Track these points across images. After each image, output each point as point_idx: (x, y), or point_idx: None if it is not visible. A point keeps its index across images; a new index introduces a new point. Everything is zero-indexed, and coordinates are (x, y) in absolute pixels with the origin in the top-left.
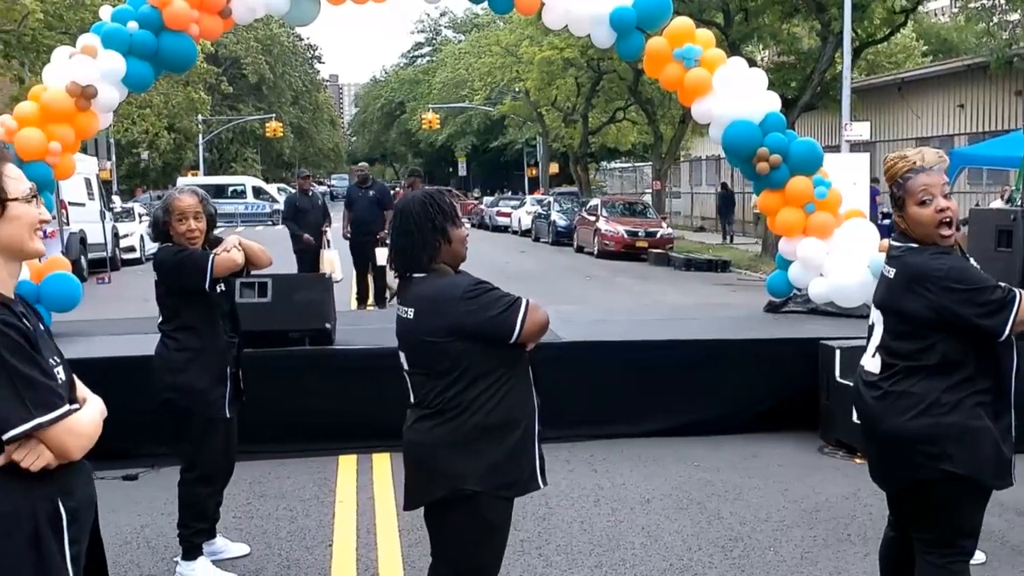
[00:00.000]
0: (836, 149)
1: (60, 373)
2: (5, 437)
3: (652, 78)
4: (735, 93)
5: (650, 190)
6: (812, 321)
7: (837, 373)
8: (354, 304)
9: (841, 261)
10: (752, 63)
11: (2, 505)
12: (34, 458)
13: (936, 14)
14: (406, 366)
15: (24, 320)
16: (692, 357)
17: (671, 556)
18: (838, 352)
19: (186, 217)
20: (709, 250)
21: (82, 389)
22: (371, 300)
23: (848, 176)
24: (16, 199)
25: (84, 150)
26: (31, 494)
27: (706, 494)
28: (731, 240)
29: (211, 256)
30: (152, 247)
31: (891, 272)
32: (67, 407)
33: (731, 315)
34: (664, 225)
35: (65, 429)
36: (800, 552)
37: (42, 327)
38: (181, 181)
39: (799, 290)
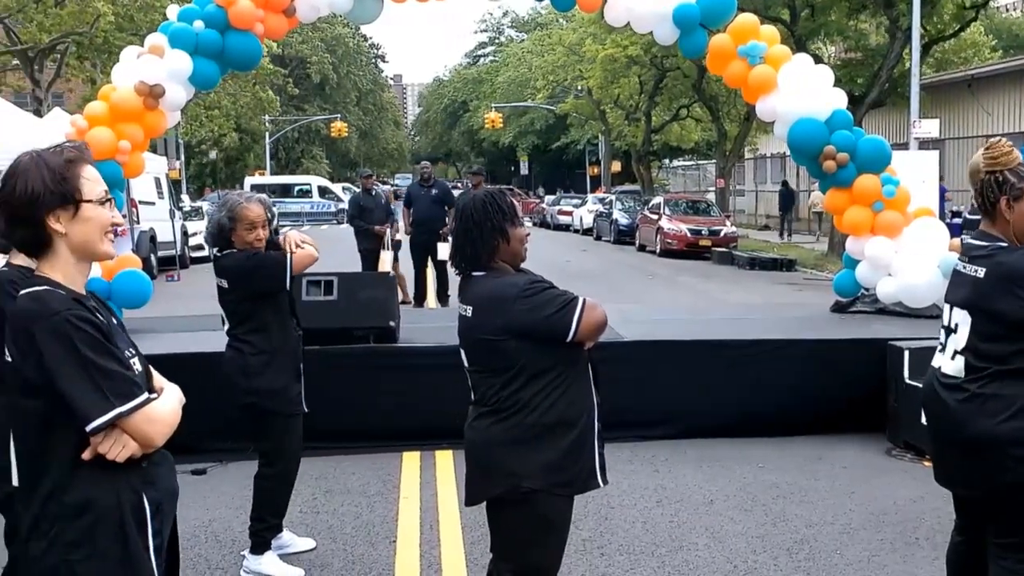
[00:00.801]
0: (904, 147)
1: (136, 364)
2: (88, 428)
3: (716, 75)
4: (800, 90)
5: (714, 188)
6: (880, 321)
7: (906, 374)
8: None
9: (910, 260)
10: (819, 60)
11: (89, 498)
12: (119, 448)
13: (1007, 9)
14: (466, 363)
15: (97, 314)
16: (757, 357)
17: (735, 558)
18: (907, 353)
19: (255, 227)
20: (774, 249)
21: (159, 379)
22: (429, 298)
23: (917, 174)
24: (90, 201)
25: (154, 150)
26: (116, 486)
27: (771, 496)
28: (790, 236)
29: (288, 255)
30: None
31: (978, 271)
32: (146, 395)
33: (797, 315)
34: (728, 223)
35: (145, 417)
36: (867, 555)
37: (115, 320)
38: (248, 181)
39: (867, 290)
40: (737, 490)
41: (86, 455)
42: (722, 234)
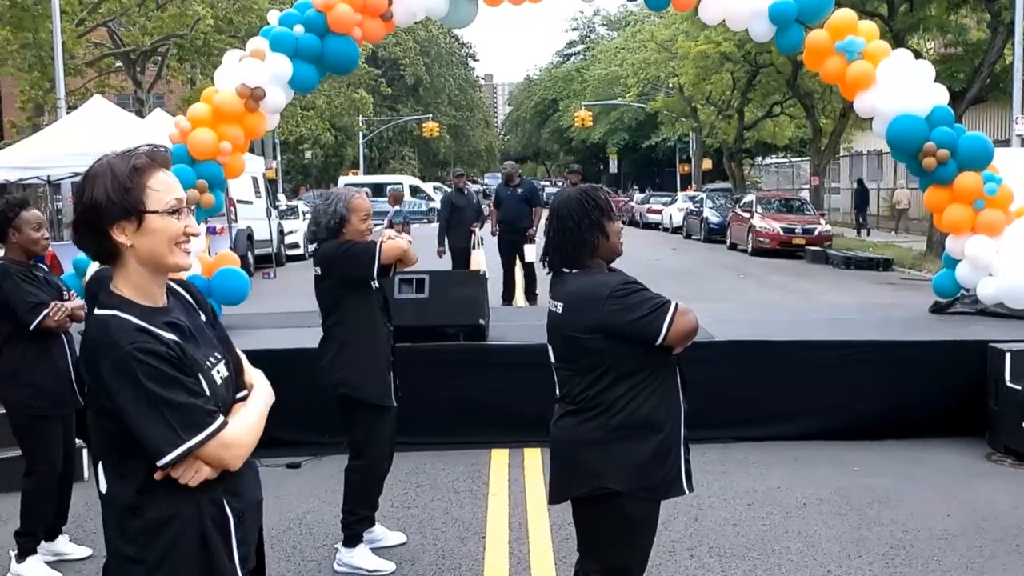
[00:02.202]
0: (1006, 144)
1: (220, 370)
2: (159, 464)
3: (812, 71)
4: (900, 86)
5: (807, 186)
6: (980, 322)
7: (1007, 377)
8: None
9: (1012, 260)
10: (918, 55)
11: (169, 510)
12: (192, 474)
13: None
14: (553, 360)
15: (164, 337)
16: (853, 358)
17: (829, 563)
18: (1008, 355)
19: (369, 216)
20: (870, 248)
21: (249, 375)
22: (518, 297)
23: (1019, 172)
24: (155, 212)
25: (251, 150)
26: (196, 498)
27: (866, 500)
28: (868, 234)
29: (378, 243)
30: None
31: None
32: (218, 422)
33: (894, 315)
34: (822, 221)
35: (220, 444)
36: (965, 562)
37: (203, 319)
38: (342, 180)
39: (967, 290)
40: (831, 494)
41: (157, 476)
42: (816, 232)
